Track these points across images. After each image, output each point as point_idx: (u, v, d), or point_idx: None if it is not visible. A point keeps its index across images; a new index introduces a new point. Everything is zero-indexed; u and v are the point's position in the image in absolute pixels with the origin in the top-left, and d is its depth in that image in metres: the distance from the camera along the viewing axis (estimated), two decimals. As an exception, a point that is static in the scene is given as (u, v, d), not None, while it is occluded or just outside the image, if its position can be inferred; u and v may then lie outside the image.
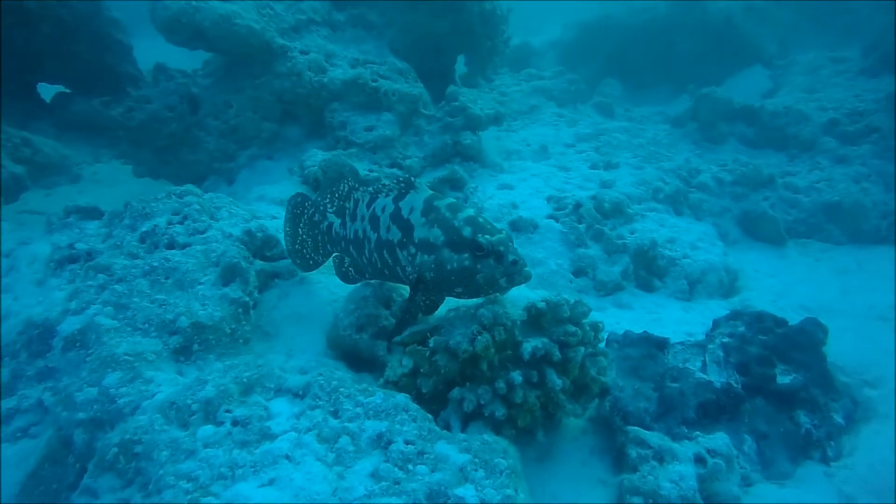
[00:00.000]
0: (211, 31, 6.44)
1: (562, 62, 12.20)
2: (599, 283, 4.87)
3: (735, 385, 3.24)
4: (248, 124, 6.86)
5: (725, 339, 3.50)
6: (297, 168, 5.74)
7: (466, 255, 2.87)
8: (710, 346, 3.45)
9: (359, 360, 3.58)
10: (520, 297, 4.72)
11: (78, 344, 3.15)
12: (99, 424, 2.80)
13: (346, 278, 3.80)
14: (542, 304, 2.98)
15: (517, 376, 2.82)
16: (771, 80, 9.72)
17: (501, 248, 2.84)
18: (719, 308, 4.72)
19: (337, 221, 3.70)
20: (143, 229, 3.86)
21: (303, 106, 6.75)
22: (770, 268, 5.33)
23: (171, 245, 3.78)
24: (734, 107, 7.22)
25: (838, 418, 3.28)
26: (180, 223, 3.97)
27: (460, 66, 8.85)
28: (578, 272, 4.96)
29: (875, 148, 6.50)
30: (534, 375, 2.88)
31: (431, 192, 3.18)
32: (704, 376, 3.28)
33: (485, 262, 2.85)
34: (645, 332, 3.60)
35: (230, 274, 3.56)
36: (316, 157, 5.65)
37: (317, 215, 3.83)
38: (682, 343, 3.57)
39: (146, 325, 3.22)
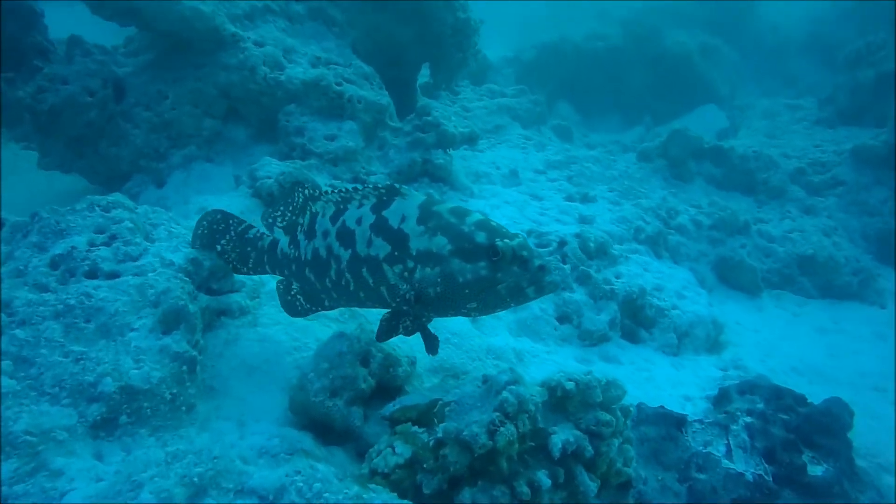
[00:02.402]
0: (148, 8, 5.56)
1: (520, 81, 11.94)
2: (585, 332, 4.46)
3: (766, 477, 2.87)
4: (187, 119, 5.98)
5: (748, 420, 3.14)
6: (247, 178, 4.97)
7: (483, 263, 2.44)
8: (734, 428, 3.09)
9: (329, 431, 2.96)
10: (505, 346, 4.26)
11: (-43, 413, 2.33)
12: (-19, 538, 2.04)
13: (292, 309, 3.21)
14: (569, 385, 2.49)
15: (544, 478, 2.30)
16: (728, 119, 9.85)
17: (525, 253, 2.43)
18: (710, 366, 4.44)
19: (285, 239, 3.11)
20: (56, 251, 3.02)
21: (253, 104, 5.96)
22: (751, 321, 5.14)
23: (93, 274, 2.98)
24: (704, 146, 7.11)
25: (868, 515, 2.99)
26: (106, 245, 3.16)
27: (422, 76, 8.31)
28: (563, 318, 4.54)
29: (840, 201, 6.56)
30: (560, 475, 2.38)
31: (426, 196, 2.68)
32: (732, 466, 2.90)
33: (507, 270, 2.42)
34: (662, 407, 3.20)
35: (173, 318, 2.83)
36: (271, 167, 4.91)
37: (251, 231, 3.27)
38: (700, 421, 3.19)
39: (57, 388, 2.45)
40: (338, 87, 5.82)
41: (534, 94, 9.74)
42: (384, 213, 2.65)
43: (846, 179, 6.73)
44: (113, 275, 3.00)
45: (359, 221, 2.71)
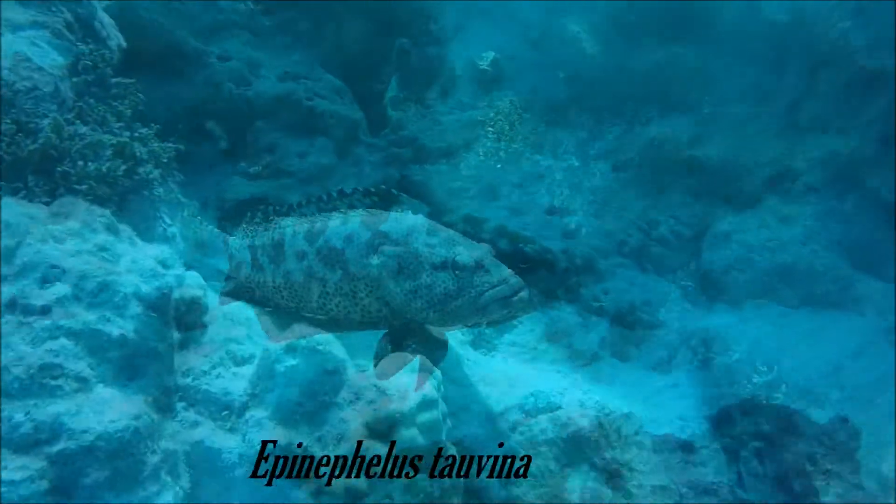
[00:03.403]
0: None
1: (484, 93, 11.81)
2: (576, 353, 4.32)
3: (782, 506, 2.75)
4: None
5: (757, 444, 3.03)
6: (215, 199, 4.70)
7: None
8: (743, 454, 2.97)
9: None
10: (495, 372, 4.08)
11: None
12: None
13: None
14: (584, 422, 2.32)
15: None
16: (696, 127, 9.88)
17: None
18: (703, 383, 4.35)
19: (248, 263, 2.95)
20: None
21: (219, 122, 5.66)
22: (737, 333, 5.06)
23: (47, 318, 2.69)
24: (679, 156, 7.11)
25: (882, 538, 2.90)
26: (62, 282, 2.87)
27: (391, 89, 8.13)
28: (552, 338, 4.39)
29: (815, 209, 6.61)
30: (578, 521, 2.20)
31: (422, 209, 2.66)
32: (746, 496, 2.78)
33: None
34: (667, 434, 3.05)
35: (143, 361, 2.56)
36: (240, 187, 4.65)
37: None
38: (707, 447, 3.06)
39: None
40: (308, 102, 5.60)
41: (503, 107, 9.65)
42: (382, 227, 2.53)
43: (819, 187, 6.81)
44: (70, 316, 2.71)
45: (349, 239, 2.57)
